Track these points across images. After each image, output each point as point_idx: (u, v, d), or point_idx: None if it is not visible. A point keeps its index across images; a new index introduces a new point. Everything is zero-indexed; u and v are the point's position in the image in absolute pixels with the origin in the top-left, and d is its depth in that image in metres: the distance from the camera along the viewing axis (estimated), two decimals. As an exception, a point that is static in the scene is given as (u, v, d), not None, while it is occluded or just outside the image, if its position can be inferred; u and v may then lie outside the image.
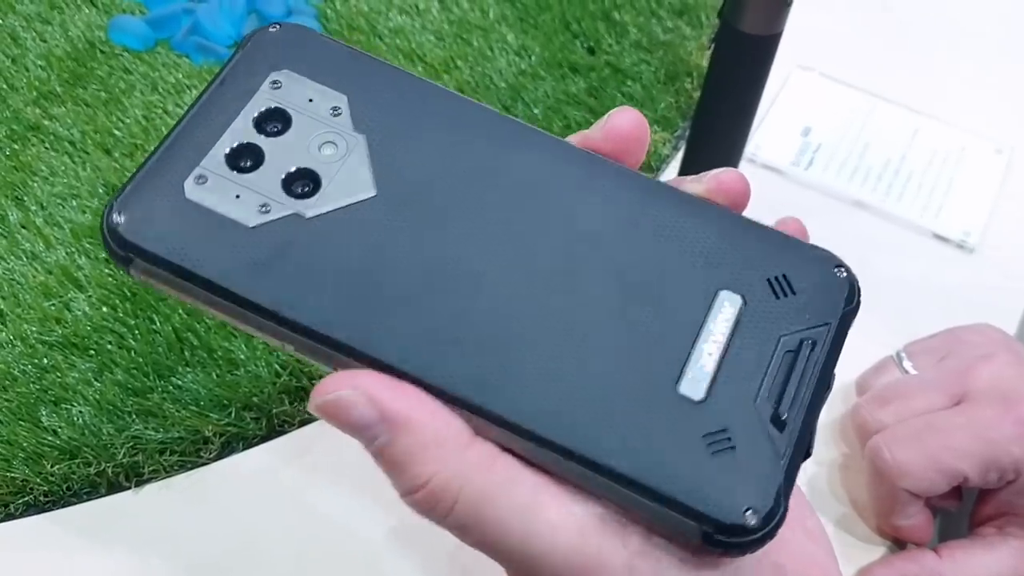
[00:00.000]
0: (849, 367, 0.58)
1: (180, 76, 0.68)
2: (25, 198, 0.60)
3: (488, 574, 0.33)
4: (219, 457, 0.52)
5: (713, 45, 0.57)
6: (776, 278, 0.32)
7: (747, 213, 0.34)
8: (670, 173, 0.66)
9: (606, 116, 0.34)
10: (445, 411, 0.30)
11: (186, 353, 0.54)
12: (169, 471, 0.51)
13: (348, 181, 0.31)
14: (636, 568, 0.29)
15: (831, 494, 0.54)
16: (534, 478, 0.30)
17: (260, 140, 0.32)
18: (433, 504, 0.29)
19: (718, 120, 0.60)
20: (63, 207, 0.60)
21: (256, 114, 0.32)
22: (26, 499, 0.50)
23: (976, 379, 0.51)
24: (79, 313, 0.55)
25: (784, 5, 0.53)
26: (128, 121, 0.65)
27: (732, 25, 0.55)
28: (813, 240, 0.33)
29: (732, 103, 0.59)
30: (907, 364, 0.55)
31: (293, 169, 0.31)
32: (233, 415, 0.52)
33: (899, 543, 0.53)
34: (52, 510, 0.50)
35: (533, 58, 0.71)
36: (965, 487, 0.51)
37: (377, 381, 0.30)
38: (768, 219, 0.33)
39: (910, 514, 0.51)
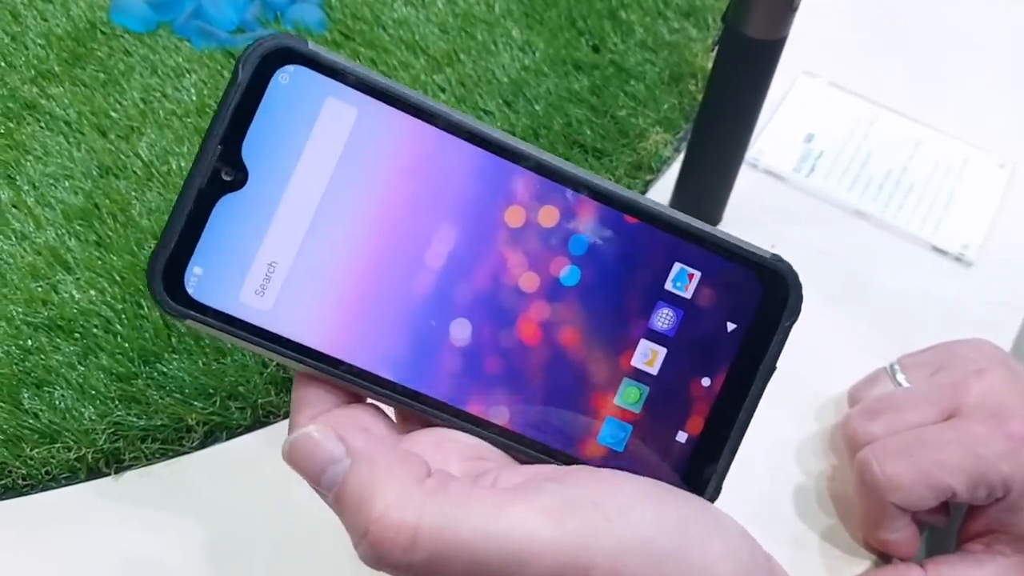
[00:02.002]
0: (842, 378, 0.57)
1: (180, 60, 0.67)
2: (17, 177, 0.60)
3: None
4: (202, 446, 0.52)
5: (716, 48, 0.56)
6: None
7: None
8: (671, 174, 0.65)
9: None
10: (401, 449, 0.32)
11: (172, 340, 0.53)
12: (150, 459, 0.51)
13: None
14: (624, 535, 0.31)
15: (818, 504, 0.54)
16: (490, 490, 0.31)
17: None
18: (392, 537, 0.29)
19: (719, 123, 0.59)
20: (55, 187, 0.59)
21: None
22: (4, 482, 0.49)
23: (968, 394, 0.50)
24: (66, 295, 0.54)
25: (789, 10, 0.53)
26: (125, 103, 0.64)
27: (736, 28, 0.54)
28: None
29: (734, 107, 0.58)
30: (900, 377, 0.54)
31: None
32: (217, 404, 0.52)
33: (884, 557, 0.52)
34: (30, 494, 0.49)
35: (537, 54, 0.71)
36: (953, 502, 0.50)
37: (341, 423, 0.33)
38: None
39: (897, 528, 0.50)
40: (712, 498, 0.35)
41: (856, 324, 0.61)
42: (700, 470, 0.36)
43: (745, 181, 0.63)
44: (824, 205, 0.67)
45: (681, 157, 0.63)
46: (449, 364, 0.34)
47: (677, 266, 0.35)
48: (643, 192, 0.66)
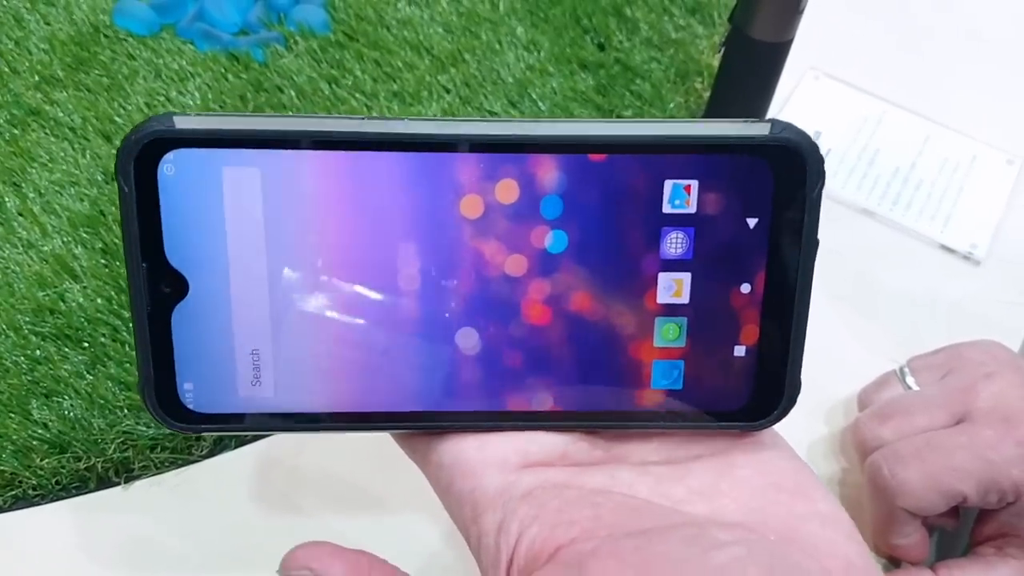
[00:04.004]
0: (851, 379, 0.57)
1: (184, 63, 0.67)
2: (23, 184, 0.59)
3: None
4: (211, 455, 0.52)
5: (723, 49, 0.56)
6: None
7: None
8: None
9: None
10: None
11: (180, 348, 0.53)
12: (160, 468, 0.51)
13: None
14: None
15: (828, 508, 0.54)
16: None
17: None
18: None
19: (726, 125, 0.59)
20: (61, 194, 0.59)
21: None
22: (15, 492, 0.49)
23: (978, 398, 0.50)
24: (73, 304, 0.54)
25: (796, 13, 0.53)
26: (130, 108, 0.64)
27: (742, 30, 0.54)
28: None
29: (741, 108, 0.58)
30: (910, 380, 0.54)
31: None
32: (226, 412, 0.52)
33: (894, 561, 0.52)
34: (40, 504, 0.50)
35: (542, 53, 0.71)
36: (963, 507, 0.50)
37: (333, 560, 0.33)
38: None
39: (907, 533, 0.50)
40: (794, 393, 0.33)
41: (865, 324, 0.61)
42: (771, 373, 0.33)
43: (752, 181, 0.63)
44: (832, 204, 0.67)
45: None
46: (471, 375, 0.32)
47: (668, 183, 0.31)
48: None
